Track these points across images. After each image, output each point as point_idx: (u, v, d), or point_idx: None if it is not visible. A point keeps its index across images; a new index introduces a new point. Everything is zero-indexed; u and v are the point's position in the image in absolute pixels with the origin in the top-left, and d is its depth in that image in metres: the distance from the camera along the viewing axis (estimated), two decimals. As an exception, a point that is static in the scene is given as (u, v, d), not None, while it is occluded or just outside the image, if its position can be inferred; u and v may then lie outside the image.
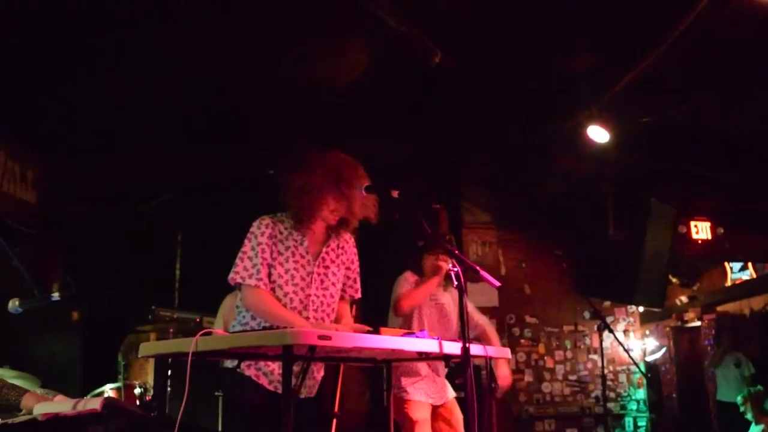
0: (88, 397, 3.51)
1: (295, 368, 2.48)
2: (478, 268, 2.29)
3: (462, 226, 6.48)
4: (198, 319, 4.99)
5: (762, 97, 5.08)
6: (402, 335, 2.34)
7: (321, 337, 1.76)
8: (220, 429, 4.76)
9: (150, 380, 5.10)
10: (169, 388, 4.35)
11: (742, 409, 6.46)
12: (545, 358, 6.55)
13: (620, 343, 5.44)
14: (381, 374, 4.03)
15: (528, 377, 6.48)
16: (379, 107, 5.45)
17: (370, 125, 5.68)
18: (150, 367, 5.19)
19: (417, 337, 2.38)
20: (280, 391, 2.46)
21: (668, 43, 4.34)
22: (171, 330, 4.26)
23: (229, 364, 2.60)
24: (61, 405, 2.19)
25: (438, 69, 5.00)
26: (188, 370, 1.90)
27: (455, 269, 2.28)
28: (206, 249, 6.39)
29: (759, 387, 6.68)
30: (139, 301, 5.90)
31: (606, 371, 6.56)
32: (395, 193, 2.53)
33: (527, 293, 6.59)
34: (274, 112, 5.50)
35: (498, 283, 2.38)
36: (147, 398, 4.02)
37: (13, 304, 2.63)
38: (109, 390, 3.88)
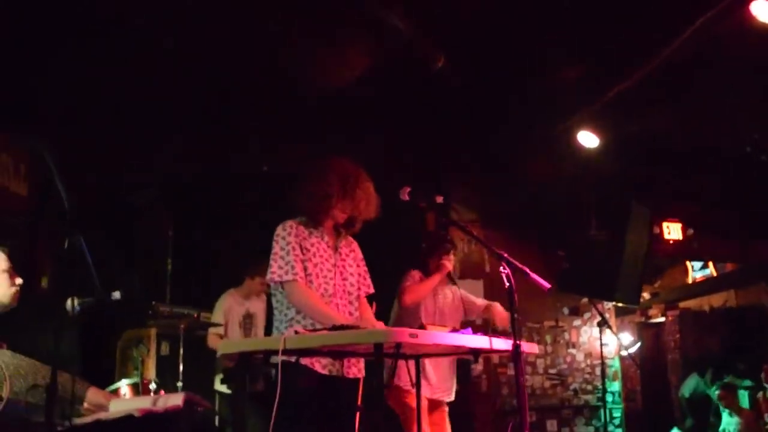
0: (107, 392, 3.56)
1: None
2: (527, 270, 2.46)
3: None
4: (196, 315, 5.06)
5: (737, 117, 5.40)
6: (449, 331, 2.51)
7: (410, 335, 1.91)
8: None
9: (150, 376, 5.13)
10: (180, 383, 4.42)
11: (718, 402, 6.72)
12: (526, 352, 6.79)
13: (617, 338, 5.78)
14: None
15: (510, 371, 6.68)
16: (369, 107, 5.58)
17: (360, 125, 5.80)
18: (151, 363, 5.23)
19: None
20: (331, 373, 2.65)
21: (661, 56, 4.60)
22: (182, 326, 4.31)
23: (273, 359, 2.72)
24: (141, 401, 2.26)
25: (436, 73, 5.15)
26: (279, 367, 2.01)
27: (505, 271, 2.44)
28: (197, 245, 6.42)
29: (728, 379, 6.99)
30: (129, 297, 5.89)
31: (584, 365, 6.89)
32: (440, 199, 2.70)
33: (510, 290, 6.80)
34: (268, 109, 5.57)
35: (548, 285, 2.55)
36: (161, 393, 4.07)
37: (71, 304, 2.63)
38: (125, 385, 3.92)
